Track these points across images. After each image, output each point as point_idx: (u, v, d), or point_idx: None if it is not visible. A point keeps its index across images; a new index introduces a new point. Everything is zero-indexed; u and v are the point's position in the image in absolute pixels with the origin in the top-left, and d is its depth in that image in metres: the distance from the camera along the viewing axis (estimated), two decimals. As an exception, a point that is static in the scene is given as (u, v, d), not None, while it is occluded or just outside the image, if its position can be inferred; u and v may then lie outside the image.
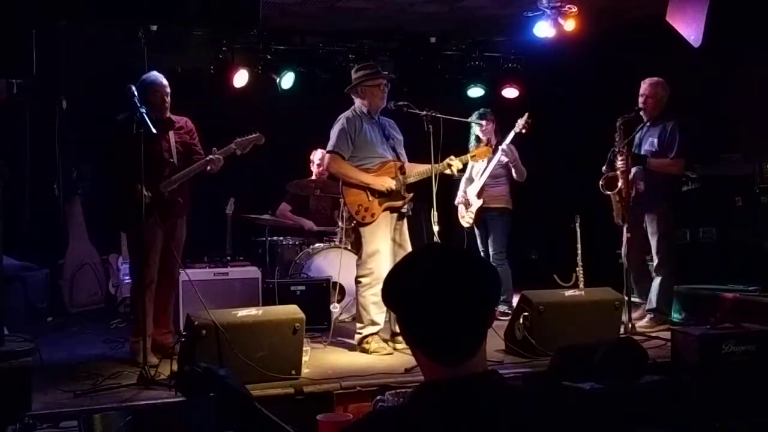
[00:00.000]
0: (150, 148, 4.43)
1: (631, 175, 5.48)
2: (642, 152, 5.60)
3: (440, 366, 1.50)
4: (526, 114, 6.20)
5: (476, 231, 6.50)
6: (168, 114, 4.84)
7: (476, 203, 6.34)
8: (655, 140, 5.56)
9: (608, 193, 5.52)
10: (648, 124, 5.63)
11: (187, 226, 5.00)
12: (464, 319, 1.49)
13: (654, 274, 5.72)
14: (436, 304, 1.48)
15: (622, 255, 5.66)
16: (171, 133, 4.82)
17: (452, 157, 5.16)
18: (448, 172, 5.17)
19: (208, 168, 4.77)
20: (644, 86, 5.62)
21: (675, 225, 5.80)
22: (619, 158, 5.45)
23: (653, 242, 5.58)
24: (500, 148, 6.20)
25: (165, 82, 4.80)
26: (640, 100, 5.60)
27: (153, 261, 4.64)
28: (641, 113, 5.59)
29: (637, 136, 5.70)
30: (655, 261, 5.63)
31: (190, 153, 4.93)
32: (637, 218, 5.54)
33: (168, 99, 4.80)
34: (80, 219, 6.90)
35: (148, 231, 4.50)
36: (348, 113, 5.16)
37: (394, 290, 1.57)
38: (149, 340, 4.45)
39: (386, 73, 5.30)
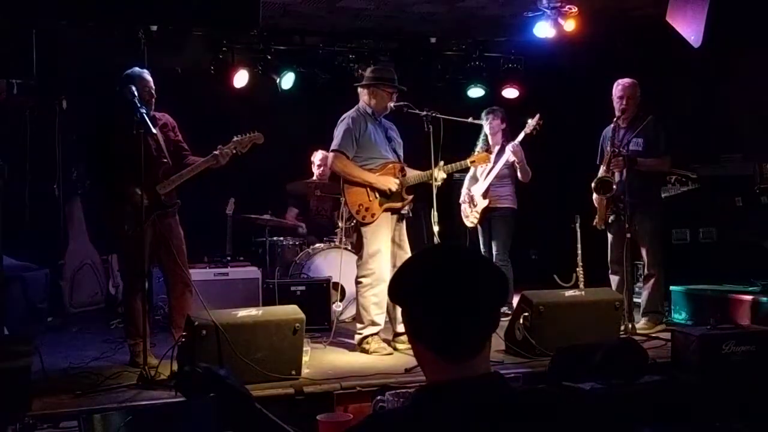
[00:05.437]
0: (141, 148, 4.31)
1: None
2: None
3: (444, 362, 1.50)
4: (537, 115, 6.17)
5: (479, 231, 6.50)
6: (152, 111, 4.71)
7: (482, 203, 6.34)
8: (641, 140, 5.50)
9: (600, 196, 5.51)
10: (623, 126, 5.58)
11: (187, 225, 4.98)
12: (470, 312, 1.50)
13: (643, 275, 5.72)
14: (444, 294, 1.49)
15: (609, 261, 5.66)
16: (157, 131, 4.65)
17: (441, 164, 5.07)
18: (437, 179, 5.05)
19: (214, 162, 4.72)
20: (622, 88, 5.56)
21: (664, 224, 5.79)
22: (612, 162, 5.45)
23: (643, 244, 5.56)
24: (512, 144, 6.19)
25: (149, 77, 4.71)
26: (621, 102, 5.54)
27: (143, 263, 4.45)
28: (620, 115, 5.54)
29: (606, 137, 5.65)
30: (646, 262, 5.62)
31: (179, 150, 4.87)
32: (619, 220, 5.50)
33: (154, 94, 4.70)
34: (80, 219, 6.89)
35: (138, 233, 4.41)
36: (352, 113, 5.15)
37: (402, 284, 1.58)
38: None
39: (402, 87, 5.25)
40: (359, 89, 5.24)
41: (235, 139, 4.78)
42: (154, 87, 4.71)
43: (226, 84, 7.33)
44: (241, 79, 7.35)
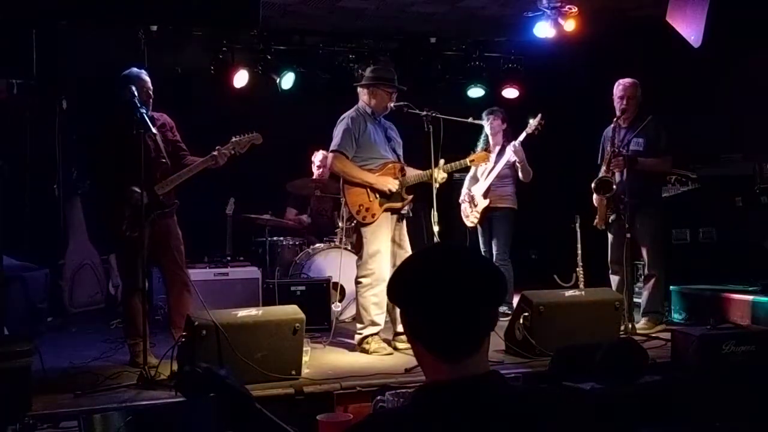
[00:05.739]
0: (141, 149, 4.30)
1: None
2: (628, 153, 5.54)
3: (443, 362, 1.50)
4: (539, 115, 6.16)
5: (479, 230, 6.50)
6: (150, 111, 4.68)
7: (483, 203, 6.33)
8: (641, 140, 5.49)
9: (600, 196, 5.50)
10: (624, 126, 5.56)
11: (187, 225, 4.98)
12: (468, 312, 1.50)
13: (643, 275, 5.71)
14: (441, 293, 1.49)
15: (609, 261, 5.65)
16: (156, 131, 4.58)
17: (441, 163, 5.06)
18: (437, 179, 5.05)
19: (213, 163, 4.72)
20: (623, 88, 5.54)
21: (665, 224, 5.78)
22: (612, 162, 5.44)
23: (643, 244, 5.56)
24: (513, 144, 6.18)
25: (147, 77, 4.70)
26: (621, 102, 5.52)
27: (141, 262, 4.41)
28: (620, 114, 5.52)
29: (607, 137, 5.64)
30: (646, 262, 5.61)
31: (177, 150, 4.87)
32: (620, 220, 5.49)
33: (151, 94, 4.69)
34: (80, 219, 6.89)
35: (137, 234, 4.41)
36: (352, 113, 5.15)
37: (400, 284, 1.59)
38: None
39: (402, 86, 5.23)
40: (359, 89, 5.24)
41: (233, 139, 4.78)
42: (152, 87, 4.71)
43: (226, 84, 7.33)
44: (241, 79, 7.36)
